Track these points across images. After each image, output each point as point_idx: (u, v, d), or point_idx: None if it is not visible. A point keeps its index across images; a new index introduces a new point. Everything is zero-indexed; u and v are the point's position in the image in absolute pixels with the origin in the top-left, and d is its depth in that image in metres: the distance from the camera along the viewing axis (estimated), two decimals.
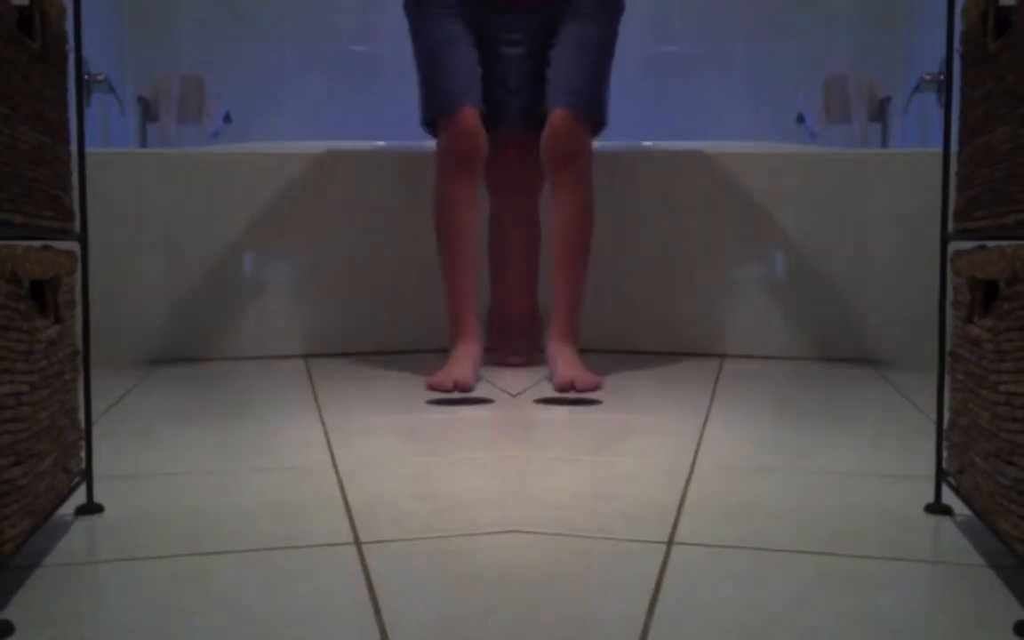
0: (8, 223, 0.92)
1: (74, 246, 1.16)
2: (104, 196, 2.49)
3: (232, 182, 2.65)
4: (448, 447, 1.57)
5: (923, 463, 1.40)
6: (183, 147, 3.02)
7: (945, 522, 1.18)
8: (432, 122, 2.27)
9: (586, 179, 2.22)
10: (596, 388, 2.08)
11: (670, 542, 1.09)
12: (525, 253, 2.47)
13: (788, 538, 1.11)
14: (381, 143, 2.74)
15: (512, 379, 2.18)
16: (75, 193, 1.18)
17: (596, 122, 2.26)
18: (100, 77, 2.92)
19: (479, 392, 2.03)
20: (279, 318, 2.66)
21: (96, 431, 1.25)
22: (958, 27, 1.15)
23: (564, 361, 2.12)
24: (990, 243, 1.05)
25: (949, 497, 1.18)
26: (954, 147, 1.16)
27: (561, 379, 2.06)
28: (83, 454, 1.19)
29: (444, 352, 2.24)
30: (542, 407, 1.90)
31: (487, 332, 2.43)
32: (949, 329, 1.17)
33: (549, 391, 2.05)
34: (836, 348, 2.59)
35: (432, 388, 2.05)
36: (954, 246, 1.15)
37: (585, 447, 1.57)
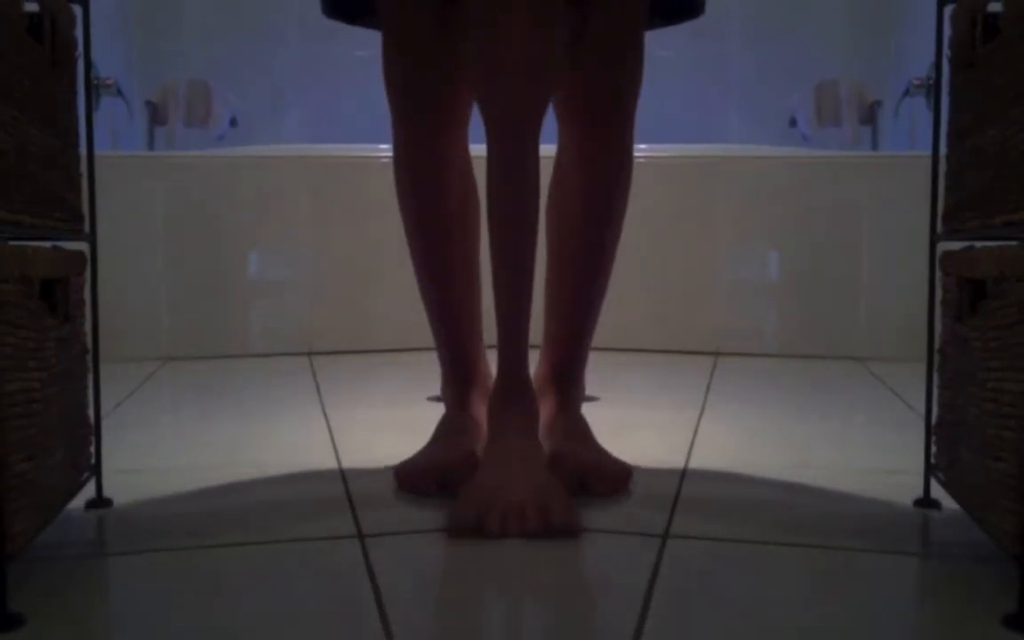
0: (18, 224, 0.94)
1: (83, 246, 1.18)
2: (113, 197, 2.51)
3: (238, 184, 2.68)
4: None
5: (912, 458, 1.42)
6: (190, 150, 3.05)
7: (933, 516, 1.20)
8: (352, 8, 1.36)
9: (629, 128, 1.34)
10: (621, 482, 1.28)
11: (665, 536, 1.11)
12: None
13: (780, 532, 1.13)
14: (384, 146, 2.76)
15: None
16: (84, 194, 1.20)
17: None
18: (109, 81, 2.95)
19: None
20: (284, 317, 2.68)
21: (105, 427, 1.27)
22: (947, 33, 1.17)
23: (564, 434, 1.34)
24: (978, 243, 1.07)
25: (937, 492, 1.20)
26: (943, 150, 1.18)
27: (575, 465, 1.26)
28: (92, 449, 1.21)
29: None
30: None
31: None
32: (937, 327, 1.19)
33: None
34: (827, 346, 2.61)
35: (404, 481, 1.29)
36: (943, 246, 1.17)
37: None
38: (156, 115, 3.36)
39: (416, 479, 1.27)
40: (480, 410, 1.38)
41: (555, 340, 1.41)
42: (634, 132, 1.34)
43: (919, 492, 1.24)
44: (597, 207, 1.33)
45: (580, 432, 1.36)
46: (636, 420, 1.80)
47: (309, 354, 2.63)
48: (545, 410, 1.36)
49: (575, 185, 1.34)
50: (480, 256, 1.37)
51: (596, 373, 2.16)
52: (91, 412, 1.20)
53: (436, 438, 1.36)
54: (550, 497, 1.11)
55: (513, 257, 1.18)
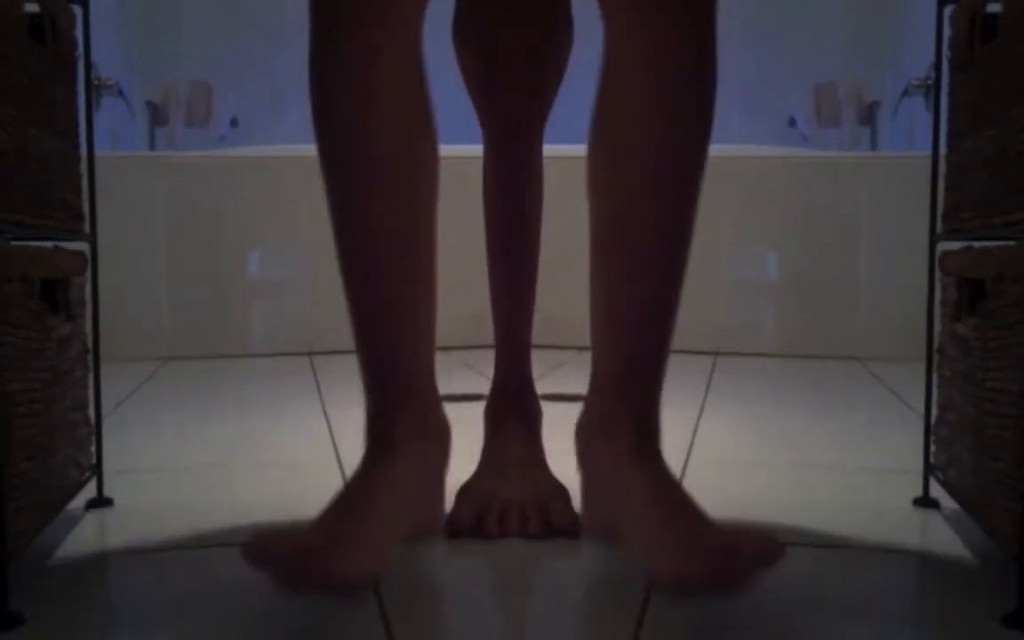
0: (19, 224, 0.95)
1: (84, 247, 1.18)
2: (113, 198, 2.51)
3: (238, 184, 2.68)
4: None
5: (911, 457, 1.42)
6: (190, 150, 3.05)
7: (932, 515, 1.20)
8: None
9: (710, 15, 0.89)
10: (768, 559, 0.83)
11: None
12: (526, 245, 1.19)
13: (778, 531, 1.13)
14: None
15: None
16: (85, 195, 1.20)
17: None
18: (110, 82, 2.96)
19: (477, 389, 2.01)
20: (284, 317, 2.69)
21: (106, 426, 1.27)
22: (946, 33, 1.17)
23: (664, 516, 0.85)
24: (977, 243, 1.07)
25: (937, 491, 1.20)
26: (942, 150, 1.19)
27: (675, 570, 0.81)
28: (93, 449, 1.21)
29: (441, 351, 2.17)
30: (541, 402, 1.91)
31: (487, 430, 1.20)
32: (936, 327, 1.20)
33: (548, 387, 2.01)
34: (827, 346, 2.62)
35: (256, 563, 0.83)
36: (942, 246, 1.18)
37: None
38: (157, 115, 3.37)
39: (272, 569, 0.83)
40: (412, 467, 0.92)
41: (620, 336, 0.93)
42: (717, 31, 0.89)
43: (918, 491, 1.24)
44: (668, 124, 0.89)
45: (676, 498, 0.88)
46: None
47: (309, 354, 2.63)
48: (607, 449, 0.91)
49: (634, 102, 0.89)
50: (437, 221, 0.96)
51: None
52: (92, 412, 1.20)
53: (333, 517, 0.87)
54: (551, 498, 1.11)
55: (513, 246, 1.14)
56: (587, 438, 0.94)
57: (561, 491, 1.12)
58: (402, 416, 0.91)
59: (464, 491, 1.13)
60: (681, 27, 0.88)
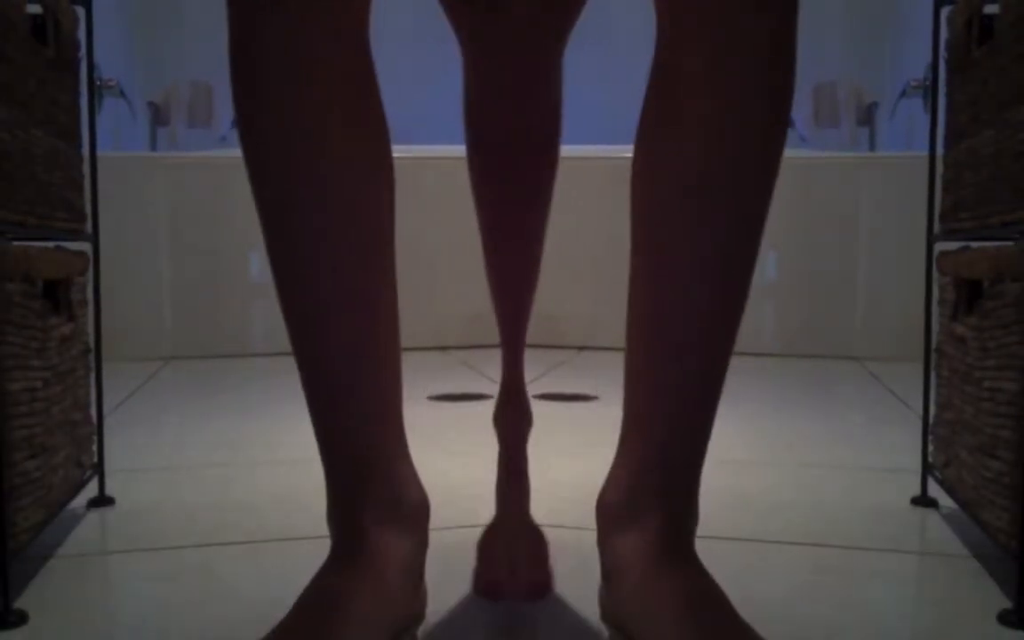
0: (22, 224, 0.95)
1: (86, 247, 1.19)
2: (115, 198, 2.52)
3: (239, 184, 2.66)
4: (447, 441, 1.59)
5: (909, 457, 1.43)
6: (192, 151, 3.06)
7: (931, 514, 1.20)
8: None
9: (791, 35, 0.71)
10: None
11: None
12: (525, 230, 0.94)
13: (777, 530, 1.14)
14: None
15: None
16: (87, 195, 1.21)
17: None
18: (111, 83, 2.96)
19: (477, 389, 2.01)
20: None
21: (108, 426, 1.28)
22: (943, 35, 1.18)
23: None
24: (975, 244, 1.08)
25: (935, 490, 1.21)
26: (940, 151, 1.19)
27: None
28: (95, 448, 1.21)
29: (440, 351, 2.19)
30: (541, 402, 1.92)
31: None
32: (934, 327, 1.20)
33: (548, 387, 2.01)
34: (825, 345, 2.62)
35: None
36: (940, 246, 1.18)
37: (582, 441, 1.59)
38: (158, 116, 3.37)
39: None
40: (390, 548, 0.79)
41: (660, 405, 0.78)
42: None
43: (916, 490, 1.25)
44: (734, 142, 0.73)
45: (715, 611, 0.74)
46: None
47: None
48: (633, 540, 0.77)
49: (693, 107, 0.72)
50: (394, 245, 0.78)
51: (595, 372, 2.16)
52: (93, 411, 1.21)
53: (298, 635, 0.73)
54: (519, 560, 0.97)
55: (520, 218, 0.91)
56: (611, 518, 0.80)
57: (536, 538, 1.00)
58: (371, 502, 0.77)
59: (488, 545, 0.99)
60: (761, 21, 0.70)
